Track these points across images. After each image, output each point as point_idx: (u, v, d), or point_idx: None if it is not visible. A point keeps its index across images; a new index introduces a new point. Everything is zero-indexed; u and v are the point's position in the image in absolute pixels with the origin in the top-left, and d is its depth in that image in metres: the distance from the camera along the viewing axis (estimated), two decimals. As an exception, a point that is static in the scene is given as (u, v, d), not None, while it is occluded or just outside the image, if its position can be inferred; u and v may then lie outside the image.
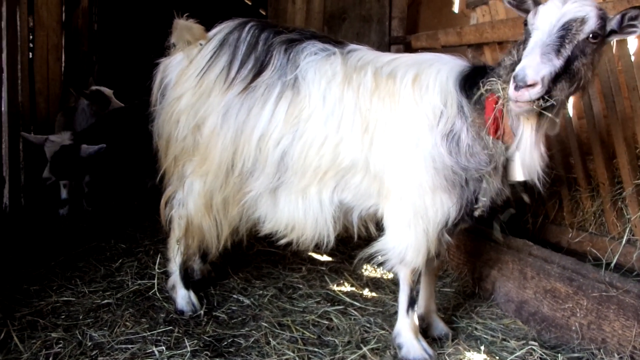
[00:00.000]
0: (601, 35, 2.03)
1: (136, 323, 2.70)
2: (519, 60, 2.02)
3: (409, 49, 5.03)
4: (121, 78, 5.10)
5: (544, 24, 2.00)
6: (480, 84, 2.25)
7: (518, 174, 2.27)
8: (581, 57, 2.00)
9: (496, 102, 2.19)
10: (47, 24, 4.69)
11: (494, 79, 2.19)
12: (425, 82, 2.36)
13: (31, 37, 4.51)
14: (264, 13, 9.33)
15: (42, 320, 2.64)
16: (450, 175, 2.29)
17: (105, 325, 2.66)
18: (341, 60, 2.49)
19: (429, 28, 5.36)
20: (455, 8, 5.68)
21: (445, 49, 4.06)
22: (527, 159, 2.20)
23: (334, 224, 2.54)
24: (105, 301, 2.91)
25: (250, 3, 10.50)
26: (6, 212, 3.94)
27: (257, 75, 2.51)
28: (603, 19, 2.01)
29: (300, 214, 2.52)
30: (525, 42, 2.05)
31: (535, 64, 1.91)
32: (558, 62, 1.96)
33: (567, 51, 1.97)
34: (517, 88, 1.92)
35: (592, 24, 1.98)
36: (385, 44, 5.59)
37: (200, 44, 2.65)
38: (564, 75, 1.99)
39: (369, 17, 5.62)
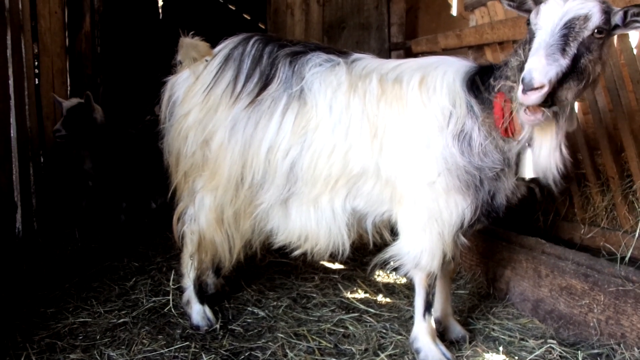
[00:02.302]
0: (606, 30, 2.01)
1: (153, 340, 2.70)
2: (526, 60, 2.00)
3: (409, 54, 5.06)
4: (126, 99, 5.17)
5: (546, 23, 1.99)
6: (488, 84, 2.27)
7: (528, 172, 2.27)
8: (587, 54, 1.99)
9: (504, 101, 2.19)
10: (52, 50, 4.75)
11: (502, 79, 2.20)
12: (432, 84, 2.37)
13: (36, 63, 4.58)
14: (263, 27, 9.43)
15: (61, 342, 2.66)
16: (463, 175, 2.29)
17: (123, 344, 2.67)
18: (346, 70, 2.51)
19: (428, 32, 5.40)
20: (454, 11, 5.71)
21: (446, 52, 4.09)
22: (543, 161, 2.19)
23: (348, 232, 2.54)
24: (122, 320, 2.92)
25: (249, 17, 10.61)
26: (19, 237, 3.97)
27: (263, 89, 2.53)
28: (607, 12, 2.00)
29: (312, 223, 2.53)
30: (530, 41, 2.05)
31: (542, 66, 1.89)
32: (564, 62, 1.94)
33: (572, 49, 1.95)
34: (524, 91, 1.90)
35: (596, 20, 1.97)
36: (385, 51, 5.63)
37: (206, 60, 2.68)
38: (572, 74, 1.97)
39: (368, 24, 5.67)
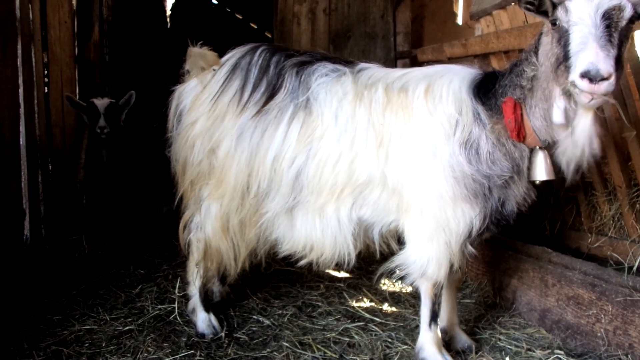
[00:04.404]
0: (637, 19, 2.03)
1: (158, 348, 2.70)
2: (567, 56, 2.00)
3: (415, 62, 5.08)
4: (134, 106, 5.21)
5: (582, 17, 1.98)
6: (494, 90, 2.31)
7: (540, 174, 2.28)
8: (625, 43, 2.01)
9: (515, 105, 2.21)
10: (61, 59, 4.81)
11: (512, 87, 2.25)
12: (438, 92, 2.38)
13: (46, 72, 4.64)
14: (269, 36, 9.49)
15: (67, 350, 2.66)
16: (471, 184, 2.29)
17: (128, 352, 2.67)
18: (352, 80, 2.52)
19: (434, 41, 5.42)
20: (459, 20, 5.73)
21: (452, 60, 4.10)
22: (583, 148, 2.13)
23: (354, 241, 2.54)
24: (127, 327, 2.93)
25: (256, 27, 10.68)
26: (27, 244, 4.00)
27: (270, 99, 2.55)
28: (633, 3, 2.01)
29: (318, 233, 2.53)
30: (560, 40, 2.03)
31: (603, 57, 1.89)
32: (614, 52, 1.94)
33: (616, 40, 1.96)
34: (594, 82, 1.88)
35: (629, 10, 1.98)
36: (391, 59, 5.66)
37: (214, 70, 2.71)
38: (618, 63, 1.97)
39: (374, 34, 5.71)
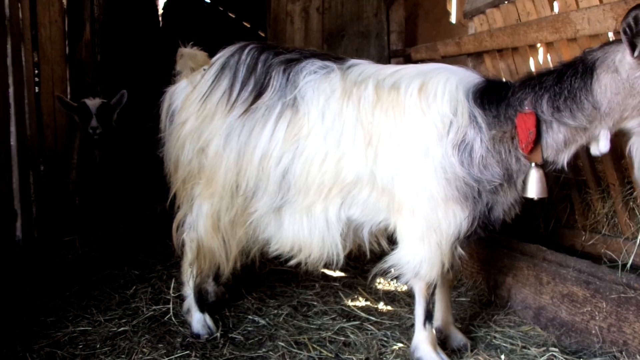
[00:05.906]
0: None
1: (153, 349, 2.69)
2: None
3: (408, 61, 5.09)
4: (125, 106, 5.19)
5: None
6: (508, 101, 2.26)
7: (530, 191, 2.27)
8: None
9: (537, 121, 2.17)
10: (52, 58, 4.78)
11: (547, 101, 2.19)
12: (433, 90, 2.33)
13: (36, 71, 4.60)
14: (262, 35, 9.46)
15: (60, 352, 2.64)
16: (462, 186, 2.27)
17: (123, 353, 2.65)
18: (340, 76, 2.48)
19: (428, 40, 5.42)
20: (453, 19, 5.73)
21: (445, 59, 4.10)
22: None
23: (343, 241, 2.51)
24: (122, 329, 2.91)
25: (249, 25, 10.64)
26: (19, 245, 3.96)
27: (258, 97, 2.52)
28: None
29: (305, 233, 2.50)
30: None
31: None
32: None
33: None
34: None
35: None
36: (385, 58, 5.66)
37: (204, 69, 2.70)
38: None
39: (368, 32, 5.70)
